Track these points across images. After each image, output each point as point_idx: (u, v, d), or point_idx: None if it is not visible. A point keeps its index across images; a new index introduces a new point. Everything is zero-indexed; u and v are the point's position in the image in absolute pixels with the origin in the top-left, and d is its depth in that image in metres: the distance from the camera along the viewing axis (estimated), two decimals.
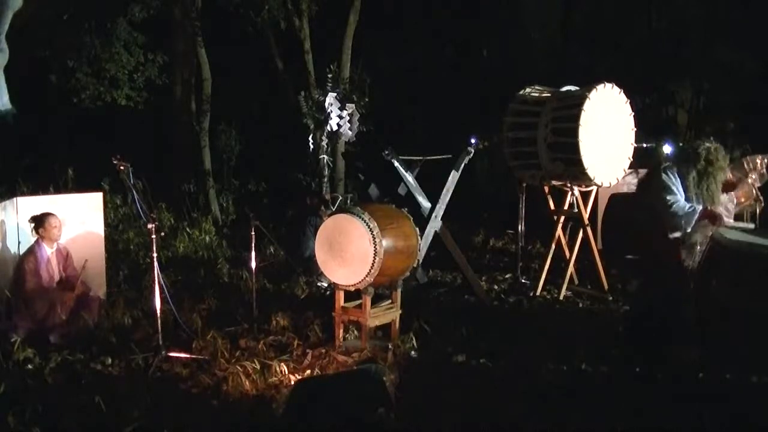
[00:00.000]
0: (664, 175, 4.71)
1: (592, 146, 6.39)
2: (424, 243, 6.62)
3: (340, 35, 12.12)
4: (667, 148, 8.22)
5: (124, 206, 9.20)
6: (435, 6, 14.15)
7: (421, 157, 7.44)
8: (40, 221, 5.42)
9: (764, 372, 3.92)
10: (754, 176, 4.85)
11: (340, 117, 10.50)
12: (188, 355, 4.89)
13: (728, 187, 4.86)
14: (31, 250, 5.38)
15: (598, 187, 6.94)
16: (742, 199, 5.15)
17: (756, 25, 11.35)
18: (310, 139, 10.92)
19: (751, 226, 4.93)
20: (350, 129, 10.61)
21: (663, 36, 12.77)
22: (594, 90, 6.46)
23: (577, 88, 6.93)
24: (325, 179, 10.88)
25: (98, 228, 6.12)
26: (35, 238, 5.43)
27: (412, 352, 4.98)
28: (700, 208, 4.61)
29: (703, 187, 4.61)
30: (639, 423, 3.69)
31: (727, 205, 4.96)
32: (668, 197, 4.63)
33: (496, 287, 7.41)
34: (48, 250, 5.44)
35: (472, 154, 7.11)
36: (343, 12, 12.17)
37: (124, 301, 6.16)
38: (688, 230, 4.63)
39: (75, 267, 5.62)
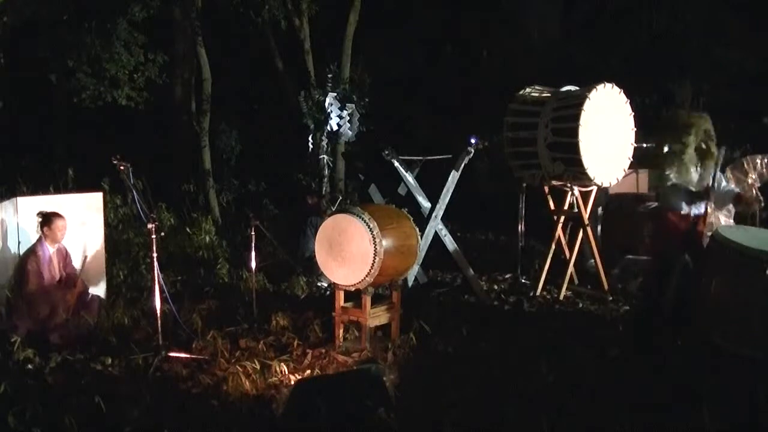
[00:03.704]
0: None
1: (592, 146, 6.39)
2: (424, 243, 6.62)
3: (340, 35, 12.11)
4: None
5: (124, 206, 9.20)
6: (435, 6, 14.14)
7: (421, 157, 7.44)
8: (47, 219, 5.40)
9: (763, 370, 3.92)
10: (754, 176, 4.85)
11: (340, 117, 10.51)
12: (188, 355, 4.89)
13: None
14: (34, 249, 5.37)
15: (598, 187, 6.95)
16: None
17: (756, 25, 11.35)
18: (310, 139, 10.92)
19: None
20: (350, 129, 10.61)
21: (663, 36, 12.76)
22: (594, 90, 6.46)
23: (577, 88, 6.93)
24: (325, 179, 10.88)
25: (98, 228, 6.11)
26: (38, 236, 5.42)
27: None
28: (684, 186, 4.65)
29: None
30: (640, 422, 3.69)
31: (728, 206, 4.96)
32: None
33: (496, 287, 7.41)
34: (50, 249, 5.43)
35: (472, 154, 7.12)
36: (343, 12, 12.17)
37: (124, 301, 6.16)
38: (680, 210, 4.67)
39: (74, 265, 5.62)
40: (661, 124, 4.80)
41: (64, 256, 5.57)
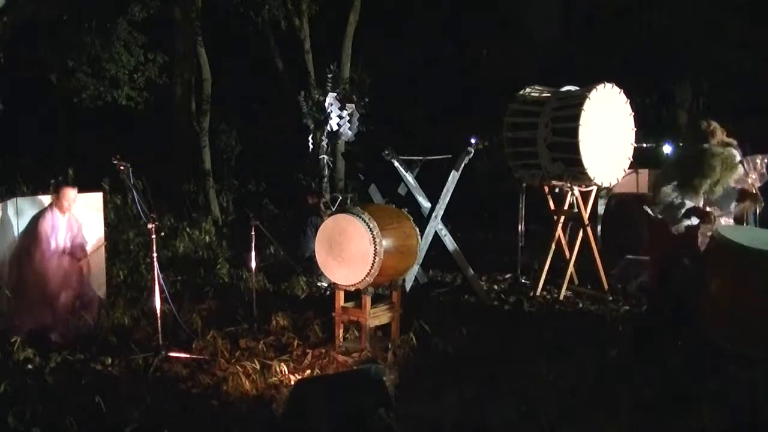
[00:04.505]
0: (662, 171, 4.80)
1: (592, 146, 6.39)
2: (424, 243, 6.62)
3: (340, 35, 12.13)
4: (667, 148, 8.20)
5: (124, 206, 9.20)
6: (435, 6, 14.15)
7: (421, 157, 7.45)
8: (57, 187, 5.50)
9: (763, 370, 3.92)
10: (754, 176, 4.83)
11: (340, 117, 10.52)
12: (188, 355, 4.89)
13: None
14: (42, 213, 5.43)
15: (598, 187, 6.94)
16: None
17: (756, 25, 11.35)
18: (310, 139, 10.93)
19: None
20: (350, 129, 10.62)
21: (663, 36, 12.76)
22: (594, 90, 6.46)
23: (577, 88, 6.93)
24: (325, 179, 10.89)
25: (98, 228, 6.11)
26: (50, 202, 5.50)
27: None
28: (687, 203, 4.64)
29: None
30: (639, 423, 3.69)
31: (731, 205, 4.95)
32: (661, 189, 4.70)
33: (496, 287, 7.41)
34: (59, 217, 5.46)
35: (472, 154, 7.12)
36: (343, 12, 12.18)
37: (124, 301, 6.16)
38: (676, 225, 4.66)
39: (84, 237, 5.66)
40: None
41: (72, 227, 5.58)
